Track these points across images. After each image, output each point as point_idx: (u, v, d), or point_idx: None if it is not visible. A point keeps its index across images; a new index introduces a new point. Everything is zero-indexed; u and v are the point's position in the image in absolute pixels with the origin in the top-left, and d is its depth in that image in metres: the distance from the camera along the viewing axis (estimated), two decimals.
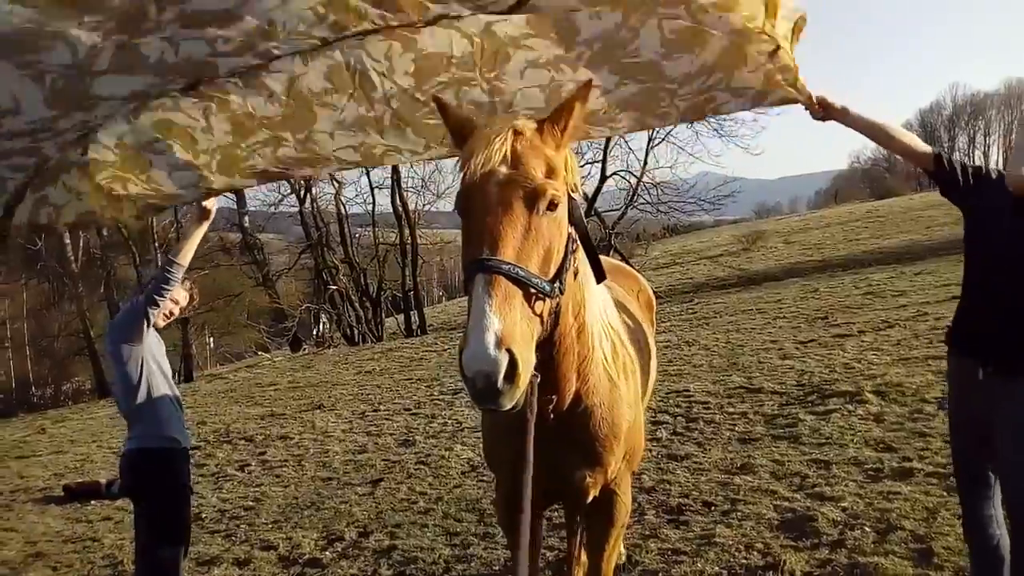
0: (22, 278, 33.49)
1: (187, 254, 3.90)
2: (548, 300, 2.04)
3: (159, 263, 4.08)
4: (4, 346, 35.84)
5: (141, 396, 3.93)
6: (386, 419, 9.93)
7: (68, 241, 27.90)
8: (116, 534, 6.92)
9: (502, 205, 1.98)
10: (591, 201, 23.57)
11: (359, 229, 28.08)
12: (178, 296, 4.09)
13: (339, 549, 5.58)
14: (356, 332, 24.23)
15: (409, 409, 10.27)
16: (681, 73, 2.62)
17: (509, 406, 1.86)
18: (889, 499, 4.79)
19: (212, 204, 3.67)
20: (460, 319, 25.60)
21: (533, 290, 1.95)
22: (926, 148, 3.03)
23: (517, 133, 2.10)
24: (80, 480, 9.24)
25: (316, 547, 5.70)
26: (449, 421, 9.11)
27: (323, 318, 26.11)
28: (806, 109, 2.90)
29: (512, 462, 2.54)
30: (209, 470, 8.65)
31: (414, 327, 24.49)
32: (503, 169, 2.03)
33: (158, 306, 3.88)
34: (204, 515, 6.84)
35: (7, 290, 33.88)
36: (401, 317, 26.36)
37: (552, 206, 2.05)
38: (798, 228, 35.43)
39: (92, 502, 8.28)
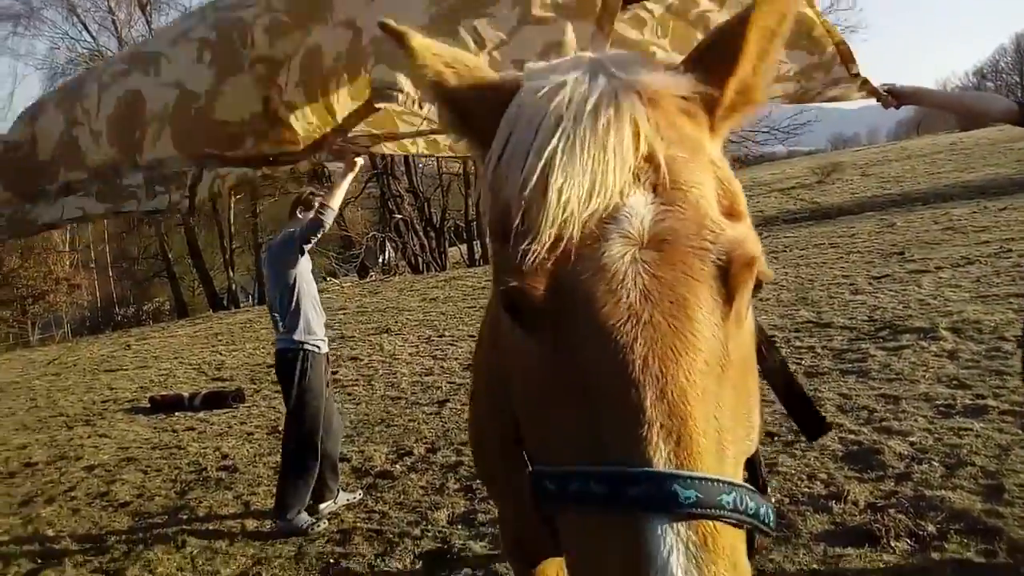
0: None
1: (338, 199, 4.70)
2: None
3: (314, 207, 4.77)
4: (89, 267, 37.63)
5: (290, 309, 4.80)
6: (451, 344, 10.16)
7: None
8: (199, 443, 7.37)
9: (671, 318, 0.88)
10: None
11: (423, 158, 28.16)
12: None
13: (408, 463, 5.83)
14: (420, 261, 24.57)
15: (473, 336, 10.46)
16: None
17: None
18: (960, 435, 4.71)
19: (360, 158, 4.12)
20: None
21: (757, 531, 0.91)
22: (1008, 104, 2.94)
23: (647, 99, 0.98)
24: (164, 393, 9.81)
25: (387, 460, 5.97)
26: None
27: (388, 246, 26.51)
28: (879, 102, 2.94)
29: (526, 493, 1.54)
30: None
31: (476, 257, 24.68)
32: (646, 206, 0.93)
33: (310, 243, 4.73)
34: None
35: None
36: (464, 247, 26.57)
37: (757, 289, 0.96)
38: (877, 160, 33.95)
39: (176, 413, 8.80)
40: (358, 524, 4.84)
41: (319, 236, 4.74)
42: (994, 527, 3.63)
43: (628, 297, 0.87)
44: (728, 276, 0.90)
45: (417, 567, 4.16)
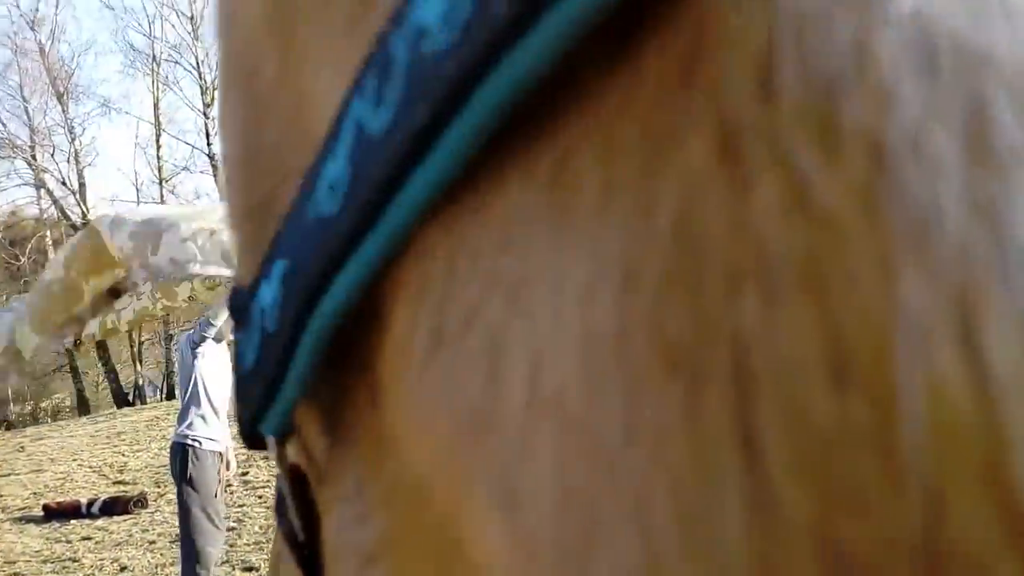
0: (3, 295, 33.33)
1: (221, 317, 4.67)
2: None
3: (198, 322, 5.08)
4: None
5: (184, 402, 4.91)
6: None
7: (50, 257, 27.84)
8: (96, 554, 6.95)
9: None
10: None
11: None
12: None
13: None
14: None
15: None
16: None
17: None
18: None
19: None
20: None
21: None
22: None
23: None
24: (60, 500, 9.24)
25: None
26: None
27: None
28: None
29: None
30: None
31: None
32: None
33: (199, 349, 4.85)
34: None
35: None
36: None
37: None
38: None
39: (72, 521, 8.29)
40: None
41: (203, 349, 4.87)
42: None
43: None
44: None
45: None
